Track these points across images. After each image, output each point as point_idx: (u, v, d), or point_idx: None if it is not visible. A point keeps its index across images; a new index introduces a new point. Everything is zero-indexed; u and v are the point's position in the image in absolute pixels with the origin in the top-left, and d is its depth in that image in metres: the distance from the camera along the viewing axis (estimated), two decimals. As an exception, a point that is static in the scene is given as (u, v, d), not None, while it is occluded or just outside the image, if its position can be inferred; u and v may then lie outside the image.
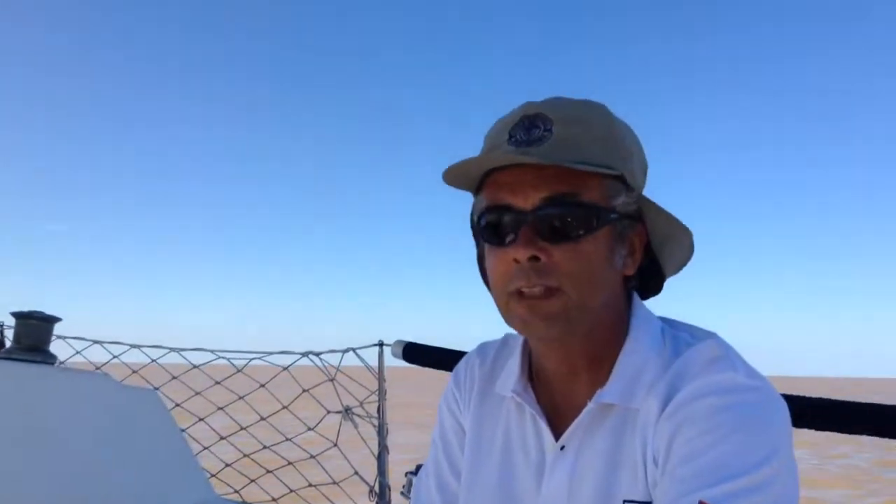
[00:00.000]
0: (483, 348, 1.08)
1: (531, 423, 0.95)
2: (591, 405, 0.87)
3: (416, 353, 2.28)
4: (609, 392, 0.86)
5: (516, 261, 0.83)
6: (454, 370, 1.10)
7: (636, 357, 0.88)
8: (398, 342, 2.39)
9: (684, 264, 0.99)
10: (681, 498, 0.72)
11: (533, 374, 0.98)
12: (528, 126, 0.85)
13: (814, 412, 1.34)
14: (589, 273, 0.83)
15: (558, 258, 0.82)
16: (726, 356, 0.83)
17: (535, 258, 0.82)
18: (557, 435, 0.91)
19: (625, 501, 0.83)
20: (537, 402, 0.94)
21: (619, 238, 0.87)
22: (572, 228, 0.83)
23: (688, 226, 0.91)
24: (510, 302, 0.86)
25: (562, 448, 0.90)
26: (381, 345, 2.58)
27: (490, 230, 0.88)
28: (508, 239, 0.85)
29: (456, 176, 0.88)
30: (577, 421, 0.88)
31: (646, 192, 0.92)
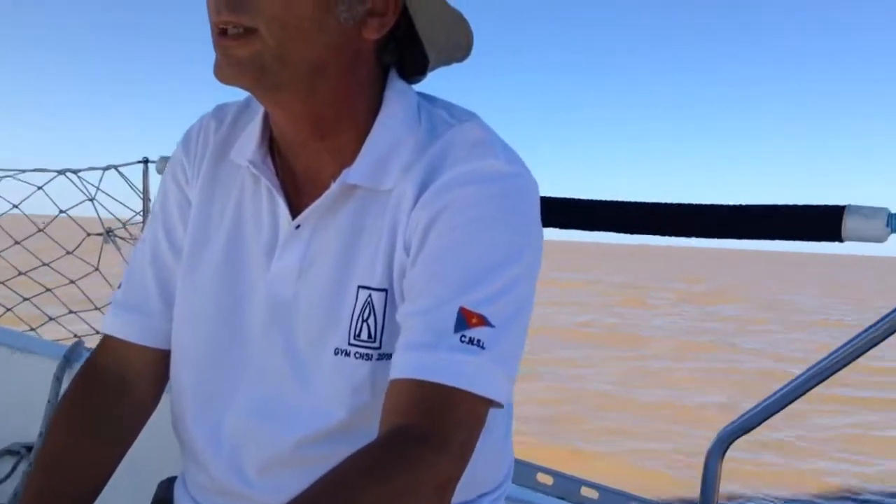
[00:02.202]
0: (221, 109, 0.95)
1: (267, 198, 0.86)
2: (334, 186, 0.81)
3: None
4: (356, 172, 0.80)
5: None
6: (185, 133, 0.96)
7: (389, 134, 0.82)
8: (164, 158, 2.22)
9: (455, 53, 0.89)
10: (442, 305, 0.72)
11: (274, 145, 0.88)
12: None
13: (559, 211, 1.36)
14: (295, 19, 0.73)
15: None
16: (488, 140, 0.81)
17: None
18: (296, 213, 0.84)
19: (360, 287, 0.81)
20: (276, 176, 0.86)
21: None
22: None
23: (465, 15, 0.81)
24: (215, 47, 0.76)
25: (297, 227, 0.83)
26: (146, 162, 2.41)
27: None
28: None
29: None
30: (317, 201, 0.82)
31: None
